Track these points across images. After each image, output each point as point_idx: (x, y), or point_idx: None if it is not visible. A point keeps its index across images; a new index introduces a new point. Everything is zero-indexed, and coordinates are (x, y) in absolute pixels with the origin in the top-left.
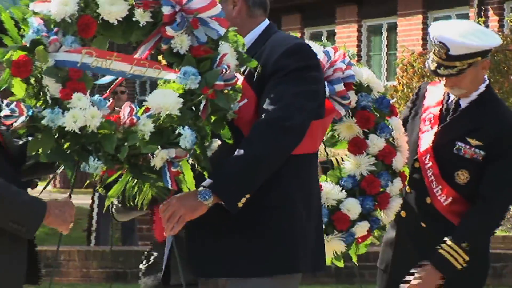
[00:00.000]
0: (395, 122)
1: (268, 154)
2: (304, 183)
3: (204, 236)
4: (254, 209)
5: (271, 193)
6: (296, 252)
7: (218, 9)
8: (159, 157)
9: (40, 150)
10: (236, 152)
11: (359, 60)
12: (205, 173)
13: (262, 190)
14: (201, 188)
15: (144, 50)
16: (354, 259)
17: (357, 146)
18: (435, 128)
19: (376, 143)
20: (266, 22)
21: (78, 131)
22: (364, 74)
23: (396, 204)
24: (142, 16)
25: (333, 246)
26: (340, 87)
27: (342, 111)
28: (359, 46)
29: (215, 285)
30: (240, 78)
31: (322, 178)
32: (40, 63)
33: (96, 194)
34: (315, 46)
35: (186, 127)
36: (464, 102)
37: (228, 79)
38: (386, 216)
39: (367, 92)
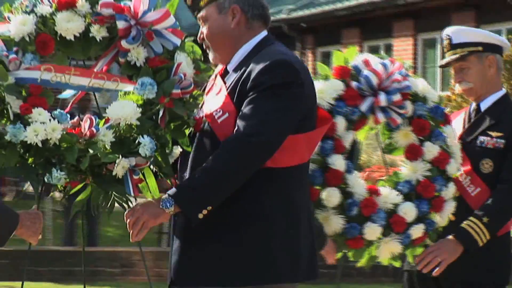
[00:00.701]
0: (449, 130)
1: (231, 170)
2: (283, 195)
3: (184, 245)
4: (230, 221)
5: (246, 206)
6: (271, 263)
7: (171, 20)
8: (120, 166)
9: (4, 164)
10: (204, 165)
11: (415, 72)
12: (168, 181)
13: (237, 203)
14: (165, 196)
15: (102, 64)
16: (410, 259)
17: (413, 153)
18: (461, 130)
19: (431, 149)
20: (263, 34)
21: (40, 144)
22: (419, 84)
23: (450, 207)
24: (98, 32)
25: (391, 247)
26: (397, 97)
27: (399, 120)
28: (415, 58)
29: None
30: (224, 93)
31: (380, 183)
32: (0, 81)
33: None
34: (373, 59)
35: (145, 136)
36: (484, 106)
37: (185, 87)
38: (441, 219)
39: (422, 101)
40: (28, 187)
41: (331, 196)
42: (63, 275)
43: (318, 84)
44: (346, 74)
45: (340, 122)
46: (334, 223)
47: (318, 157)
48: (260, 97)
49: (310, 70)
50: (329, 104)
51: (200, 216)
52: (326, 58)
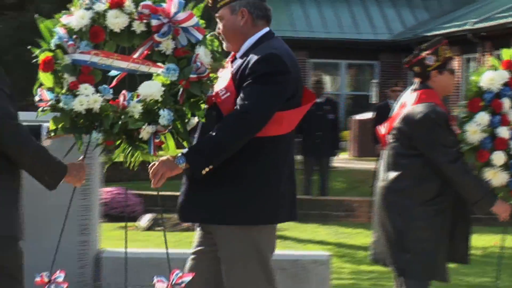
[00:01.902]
0: None
1: (228, 139)
2: (269, 158)
3: (189, 191)
4: (228, 176)
5: (240, 165)
6: (264, 206)
7: (194, 20)
8: (145, 131)
9: (59, 125)
10: (209, 133)
11: None
12: (184, 143)
13: (234, 163)
14: (179, 154)
15: (141, 51)
16: None
17: None
18: None
19: None
20: (265, 30)
21: (84, 112)
22: None
23: None
24: (138, 26)
25: None
26: None
27: None
28: None
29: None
30: (228, 76)
31: None
32: (60, 61)
33: None
34: None
35: (165, 109)
36: None
37: (201, 73)
38: None
39: None
40: None
41: (498, 157)
42: (302, 217)
43: (490, 74)
44: (511, 66)
45: (506, 102)
46: (501, 178)
47: (488, 128)
48: (254, 83)
49: (487, 68)
50: (498, 88)
51: (203, 172)
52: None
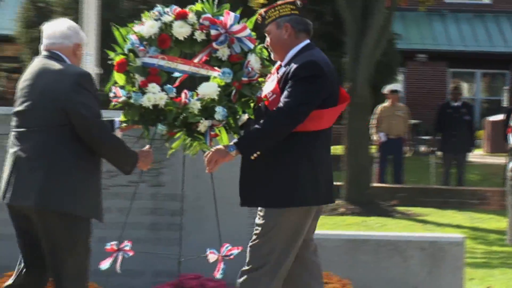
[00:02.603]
0: None
1: (272, 130)
2: (308, 149)
3: (246, 179)
4: (273, 165)
5: (285, 153)
6: (299, 192)
7: (247, 31)
8: (203, 125)
9: (129, 118)
10: (256, 126)
11: None
12: (235, 135)
13: (279, 153)
14: (230, 143)
15: (201, 57)
16: None
17: None
18: None
19: None
20: (306, 42)
21: (151, 107)
22: None
23: None
24: (199, 35)
25: None
26: None
27: None
28: None
29: None
30: (275, 81)
31: None
32: (132, 63)
33: None
34: None
35: (220, 107)
36: None
37: (251, 77)
38: None
39: None
40: (420, 147)
41: None
42: (441, 204)
43: None
44: None
45: None
46: None
47: None
48: (294, 85)
49: None
50: None
51: (252, 157)
52: None
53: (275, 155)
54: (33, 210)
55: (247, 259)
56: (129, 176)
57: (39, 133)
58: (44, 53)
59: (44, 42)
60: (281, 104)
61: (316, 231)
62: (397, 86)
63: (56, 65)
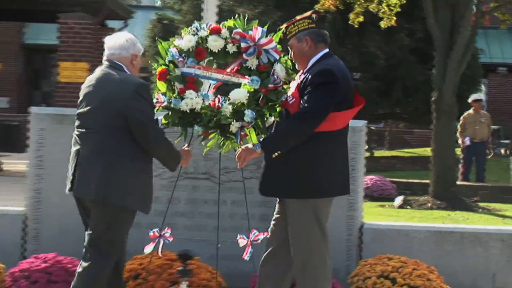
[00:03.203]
0: None
1: (293, 132)
2: (324, 148)
3: (266, 173)
4: (294, 161)
5: (304, 153)
6: (320, 184)
7: (273, 44)
8: (234, 126)
9: (170, 120)
10: (279, 128)
11: None
12: (263, 135)
13: (299, 151)
14: (257, 143)
15: (232, 67)
16: None
17: None
18: None
19: None
20: (325, 51)
21: (188, 111)
22: None
23: None
24: (231, 48)
25: None
26: None
27: None
28: None
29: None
30: (295, 86)
31: None
32: (172, 73)
33: None
34: None
35: (248, 110)
36: None
37: (276, 83)
38: None
39: None
40: (501, 150)
41: None
42: None
43: None
44: None
45: None
46: None
47: None
48: (312, 91)
49: None
50: None
51: (274, 156)
52: None
53: (296, 153)
54: (90, 200)
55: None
56: (242, 171)
57: (99, 133)
58: (105, 63)
59: (106, 53)
60: (301, 109)
61: (407, 223)
62: (480, 95)
63: (116, 75)
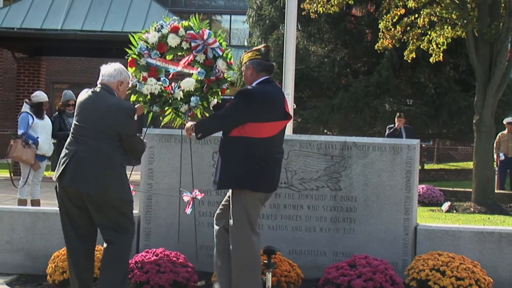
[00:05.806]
0: None
1: (210, 124)
2: (250, 149)
3: (218, 169)
4: (230, 159)
5: (230, 149)
6: (244, 180)
7: (217, 43)
8: (183, 108)
9: (136, 99)
10: (208, 117)
11: None
12: (206, 114)
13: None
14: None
15: (185, 60)
16: None
17: None
18: None
19: None
20: (264, 78)
21: (149, 95)
22: None
23: None
24: (185, 45)
25: None
26: None
27: None
28: None
29: None
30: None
31: None
32: (139, 62)
33: None
34: None
35: (194, 96)
36: None
37: (218, 75)
38: None
39: None
40: None
41: None
42: None
43: None
44: None
45: None
46: None
47: None
48: (232, 103)
49: None
50: None
51: (198, 136)
52: None
53: (226, 152)
54: (88, 193)
55: None
56: (317, 181)
57: (95, 140)
58: (99, 85)
59: (100, 77)
60: (222, 110)
61: (452, 225)
62: None
63: (110, 98)
